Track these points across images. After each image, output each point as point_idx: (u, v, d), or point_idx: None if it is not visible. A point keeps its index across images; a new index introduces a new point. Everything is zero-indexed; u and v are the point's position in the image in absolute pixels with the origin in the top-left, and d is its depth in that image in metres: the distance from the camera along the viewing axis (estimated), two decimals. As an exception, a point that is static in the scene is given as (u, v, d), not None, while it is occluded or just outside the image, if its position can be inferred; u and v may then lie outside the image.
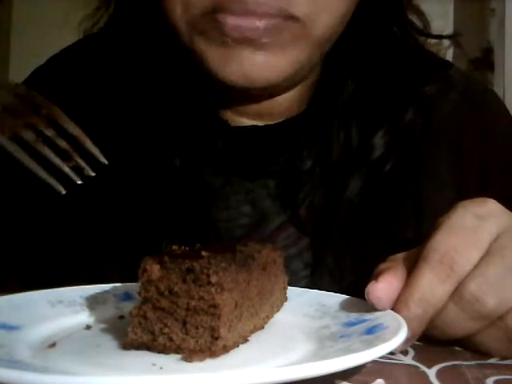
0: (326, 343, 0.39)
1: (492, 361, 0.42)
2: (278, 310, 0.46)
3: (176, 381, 0.29)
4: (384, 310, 0.41)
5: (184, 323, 0.37)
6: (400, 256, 0.45)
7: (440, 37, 0.67)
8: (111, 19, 0.66)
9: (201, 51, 0.55)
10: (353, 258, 0.59)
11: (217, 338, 0.36)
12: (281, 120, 0.63)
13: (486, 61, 1.71)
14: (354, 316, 0.43)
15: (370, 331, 0.39)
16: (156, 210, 0.61)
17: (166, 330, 0.37)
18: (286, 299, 0.47)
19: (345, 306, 0.45)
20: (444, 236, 0.42)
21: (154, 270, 0.37)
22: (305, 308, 0.46)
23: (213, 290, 0.36)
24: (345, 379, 0.36)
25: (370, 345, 0.35)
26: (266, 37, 0.52)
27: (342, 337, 0.39)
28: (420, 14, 0.65)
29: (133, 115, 0.63)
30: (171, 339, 0.37)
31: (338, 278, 0.58)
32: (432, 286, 0.40)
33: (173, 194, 0.61)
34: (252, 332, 0.41)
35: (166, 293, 0.37)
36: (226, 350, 0.37)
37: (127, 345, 0.37)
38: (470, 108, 0.65)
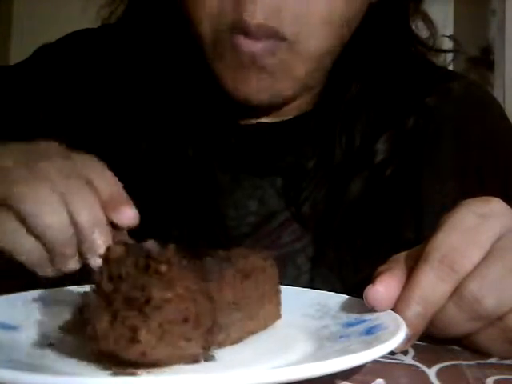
0: (325, 343, 0.39)
1: (492, 361, 0.42)
2: (265, 327, 0.42)
3: (174, 381, 0.29)
4: (384, 311, 0.41)
5: (114, 316, 0.32)
6: (401, 256, 0.44)
7: (442, 50, 0.68)
8: (129, 6, 0.67)
9: (217, 70, 0.59)
10: (353, 254, 0.60)
11: (135, 341, 0.31)
12: (289, 118, 0.64)
13: (485, 60, 1.71)
14: (353, 316, 0.42)
15: (370, 332, 0.38)
16: (166, 202, 0.62)
17: (93, 319, 0.32)
18: (279, 316, 0.44)
19: (345, 307, 0.45)
20: (445, 235, 0.41)
21: (116, 249, 0.34)
22: (305, 308, 0.46)
23: (158, 282, 0.31)
24: (345, 379, 0.35)
25: (369, 345, 0.34)
26: (265, 56, 0.55)
27: (341, 337, 0.39)
28: (428, 20, 0.66)
29: (148, 104, 0.65)
30: (95, 329, 0.32)
31: (338, 272, 0.59)
32: (432, 285, 0.40)
33: (183, 188, 0.62)
34: (218, 347, 0.37)
35: (116, 278, 0.32)
36: (146, 358, 0.31)
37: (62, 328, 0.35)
38: (470, 113, 0.67)
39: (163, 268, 0.31)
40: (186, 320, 0.33)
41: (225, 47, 0.57)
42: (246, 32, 0.54)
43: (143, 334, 0.31)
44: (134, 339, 0.31)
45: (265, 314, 0.42)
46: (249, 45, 0.55)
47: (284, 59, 0.56)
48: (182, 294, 0.32)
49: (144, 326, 0.31)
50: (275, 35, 0.55)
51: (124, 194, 0.44)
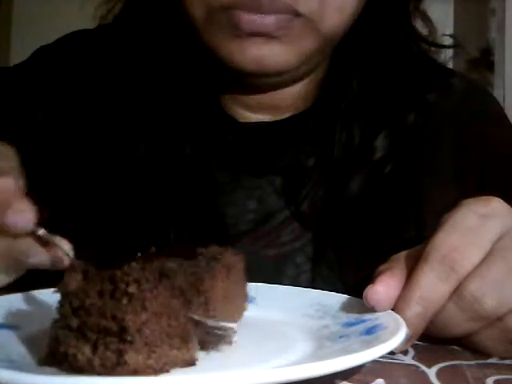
0: (325, 343, 0.39)
1: (492, 361, 0.42)
2: (235, 321, 0.41)
3: (174, 381, 0.29)
4: (384, 311, 0.41)
5: (95, 345, 0.30)
6: (401, 255, 0.44)
7: (442, 46, 0.68)
8: (126, 7, 0.67)
9: (215, 43, 0.58)
10: (353, 253, 0.60)
11: (123, 364, 0.30)
12: (287, 116, 0.64)
13: (485, 60, 1.71)
14: (353, 316, 0.42)
15: (370, 331, 0.38)
16: (165, 202, 0.62)
17: (71, 351, 0.31)
18: (245, 308, 0.43)
19: (345, 306, 0.45)
20: (446, 235, 0.41)
21: (73, 281, 0.32)
22: (305, 308, 0.46)
23: (128, 308, 0.29)
24: (345, 379, 0.35)
25: (369, 345, 0.35)
26: (276, 31, 0.55)
27: (341, 337, 0.39)
28: (427, 19, 0.66)
29: (146, 103, 0.64)
30: (76, 359, 0.31)
31: (338, 271, 0.59)
32: (432, 285, 0.40)
33: (182, 188, 0.62)
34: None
35: (81, 311, 0.31)
36: (139, 374, 0.30)
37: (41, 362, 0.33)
38: (470, 111, 0.67)
39: (131, 289, 0.30)
40: (169, 336, 0.32)
41: (224, 22, 0.55)
42: (254, 8, 0.54)
43: (130, 356, 0.30)
44: (121, 362, 0.30)
45: (237, 308, 0.42)
46: (261, 19, 0.54)
47: (300, 34, 0.56)
48: (157, 311, 0.31)
49: (129, 348, 0.30)
50: (289, 11, 0.55)
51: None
